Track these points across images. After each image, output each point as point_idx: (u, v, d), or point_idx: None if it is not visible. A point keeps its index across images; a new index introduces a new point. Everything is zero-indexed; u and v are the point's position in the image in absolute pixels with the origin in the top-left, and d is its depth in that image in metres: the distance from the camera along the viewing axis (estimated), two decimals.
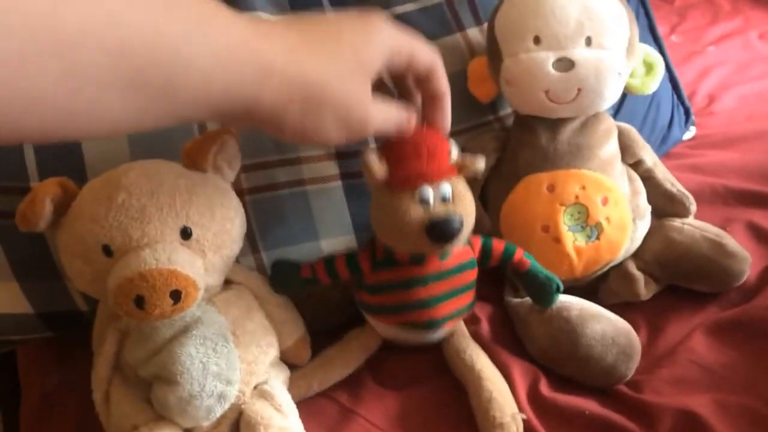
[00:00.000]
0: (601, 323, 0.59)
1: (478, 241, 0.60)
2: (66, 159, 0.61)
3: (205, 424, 0.53)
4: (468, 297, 0.60)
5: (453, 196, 0.52)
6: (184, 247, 0.50)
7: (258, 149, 0.65)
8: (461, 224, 0.52)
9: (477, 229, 0.57)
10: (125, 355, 0.54)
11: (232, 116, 0.40)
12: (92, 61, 0.31)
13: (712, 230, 0.66)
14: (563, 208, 0.63)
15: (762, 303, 0.63)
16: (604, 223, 0.63)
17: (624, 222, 0.64)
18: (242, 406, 0.54)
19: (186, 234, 0.50)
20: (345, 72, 0.42)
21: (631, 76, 0.66)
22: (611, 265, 0.66)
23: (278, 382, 0.57)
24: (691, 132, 0.92)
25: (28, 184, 0.61)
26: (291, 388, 0.58)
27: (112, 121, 0.34)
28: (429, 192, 0.52)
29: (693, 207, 0.69)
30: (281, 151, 0.66)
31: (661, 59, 0.67)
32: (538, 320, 0.61)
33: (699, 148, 0.88)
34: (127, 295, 0.47)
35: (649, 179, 0.68)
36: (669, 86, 0.89)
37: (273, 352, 0.58)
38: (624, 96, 0.72)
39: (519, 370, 0.60)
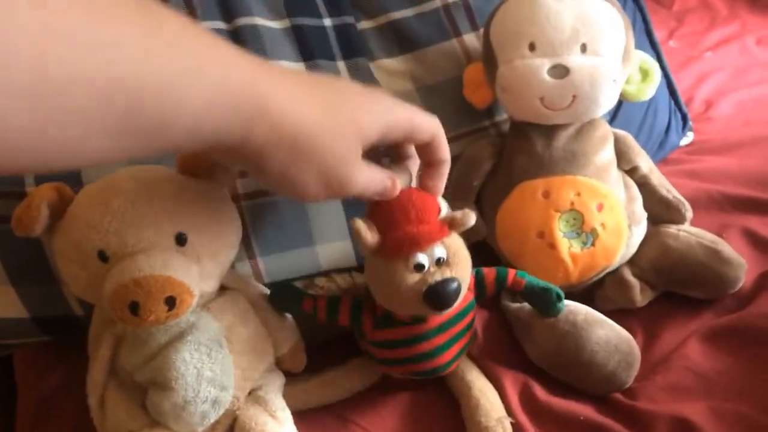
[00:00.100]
0: (605, 329, 0.59)
1: (471, 277, 0.58)
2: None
3: (200, 429, 0.53)
4: (469, 335, 0.60)
5: (447, 257, 0.52)
6: (180, 253, 0.50)
7: None
8: (458, 287, 0.51)
9: (472, 236, 0.57)
10: (121, 360, 0.54)
11: (220, 151, 0.40)
12: (80, 107, 0.30)
13: (707, 237, 0.67)
14: (558, 214, 0.63)
15: (757, 310, 0.63)
16: (600, 230, 0.63)
17: (619, 228, 0.64)
18: (237, 412, 0.54)
19: (181, 240, 0.50)
20: (338, 130, 0.42)
21: (627, 82, 0.66)
22: (607, 271, 0.66)
23: (273, 389, 0.57)
24: (688, 138, 0.92)
25: (24, 189, 0.61)
26: (290, 399, 0.58)
27: (98, 158, 0.34)
28: (422, 258, 0.51)
29: (689, 213, 0.69)
30: None
31: (657, 66, 0.67)
32: (542, 324, 0.61)
33: (696, 154, 0.89)
34: (122, 300, 0.47)
35: (645, 186, 0.68)
36: (666, 92, 0.89)
37: (268, 359, 0.58)
38: (621, 102, 0.72)
39: (510, 377, 0.60)
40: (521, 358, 0.63)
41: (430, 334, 0.56)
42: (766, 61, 1.10)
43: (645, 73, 0.67)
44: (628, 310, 0.66)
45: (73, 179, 0.59)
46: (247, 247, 0.64)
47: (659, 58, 0.88)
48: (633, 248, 0.67)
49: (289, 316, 0.61)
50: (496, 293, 0.60)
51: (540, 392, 0.59)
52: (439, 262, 0.51)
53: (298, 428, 0.56)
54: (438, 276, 0.51)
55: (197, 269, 0.51)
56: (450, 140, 0.52)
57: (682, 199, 0.69)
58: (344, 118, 0.42)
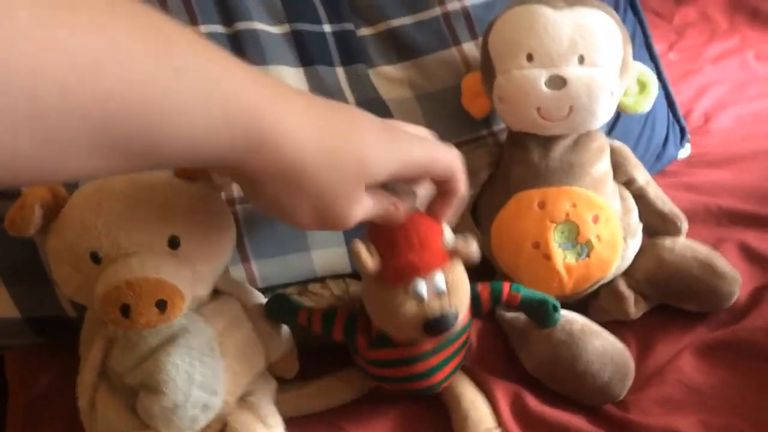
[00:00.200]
0: (601, 340, 0.59)
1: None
2: None
3: None
4: (464, 353, 0.60)
5: (447, 286, 0.51)
6: (172, 256, 0.50)
7: None
8: (456, 317, 0.51)
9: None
10: (112, 362, 0.54)
11: (215, 169, 0.39)
12: (72, 129, 0.29)
13: (703, 250, 0.66)
14: (554, 225, 0.63)
15: (751, 324, 0.63)
16: (595, 241, 0.63)
17: (615, 240, 0.64)
18: (227, 417, 0.54)
19: (174, 243, 0.50)
20: (339, 168, 0.40)
21: (625, 94, 0.66)
22: (602, 283, 0.66)
23: (264, 395, 0.57)
24: (686, 150, 0.92)
25: (19, 188, 0.61)
26: (281, 406, 0.58)
27: (90, 174, 0.34)
28: (422, 286, 0.50)
29: (684, 226, 0.68)
30: None
31: (655, 78, 0.67)
32: (538, 333, 0.60)
33: (694, 167, 0.89)
34: (113, 303, 0.47)
35: (641, 198, 0.68)
36: (665, 104, 0.89)
37: (260, 365, 0.57)
38: (619, 113, 0.72)
39: (503, 387, 0.60)
40: (514, 368, 0.63)
41: (426, 355, 0.56)
42: (764, 76, 1.10)
43: (643, 86, 0.67)
44: (622, 322, 0.65)
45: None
46: (242, 251, 0.64)
47: (658, 71, 0.88)
48: (628, 260, 0.67)
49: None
50: (492, 306, 0.59)
51: (532, 403, 0.59)
52: (438, 293, 0.50)
53: None
54: (437, 307, 0.50)
55: (190, 273, 0.51)
56: None
57: (678, 211, 0.69)
58: (349, 156, 0.40)
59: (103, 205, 0.49)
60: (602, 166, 0.66)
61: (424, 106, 0.72)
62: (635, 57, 0.66)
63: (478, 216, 0.69)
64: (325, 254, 0.67)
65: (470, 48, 0.73)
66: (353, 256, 0.50)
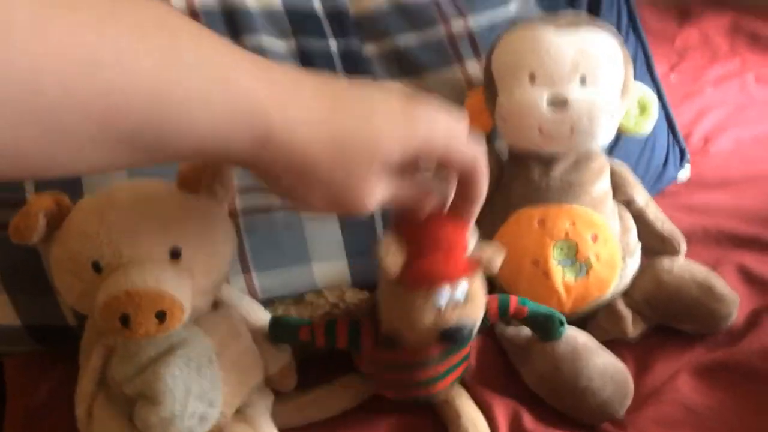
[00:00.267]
0: (602, 358, 0.60)
1: None
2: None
3: None
4: (465, 366, 0.60)
5: (466, 296, 0.50)
6: (173, 267, 0.50)
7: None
8: (473, 328, 0.50)
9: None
10: (111, 371, 0.54)
11: (228, 163, 0.38)
12: (76, 123, 0.30)
13: (701, 272, 0.67)
14: (553, 242, 0.64)
15: (749, 347, 0.63)
16: (593, 260, 0.64)
17: (613, 259, 0.65)
18: (223, 429, 0.54)
19: (175, 255, 0.50)
20: (351, 156, 0.39)
21: (626, 116, 0.67)
22: (600, 302, 0.66)
23: (261, 407, 0.57)
24: (686, 172, 0.92)
25: (24, 196, 0.61)
26: (278, 417, 0.58)
27: (98, 167, 0.34)
28: (444, 295, 0.49)
29: (683, 247, 0.69)
30: None
31: (656, 100, 0.68)
32: (540, 348, 0.60)
33: (693, 189, 0.89)
34: (113, 312, 0.47)
35: (640, 218, 0.68)
36: (665, 126, 0.90)
37: (257, 377, 0.57)
38: (619, 134, 0.72)
39: (501, 404, 0.60)
40: (513, 385, 0.63)
41: (431, 362, 0.55)
42: (764, 99, 1.10)
43: (643, 108, 0.67)
44: (620, 341, 0.66)
45: (73, 187, 0.60)
46: (242, 262, 0.64)
47: (659, 93, 0.89)
48: (626, 279, 0.67)
49: None
50: (499, 318, 0.59)
51: (530, 421, 0.59)
52: (456, 303, 0.50)
53: None
54: (455, 317, 0.49)
55: (190, 284, 0.51)
56: None
57: (677, 232, 0.69)
58: (360, 143, 0.39)
59: (106, 214, 0.50)
60: (602, 186, 0.66)
61: None
62: (636, 78, 0.67)
63: (478, 232, 0.69)
64: (326, 267, 0.67)
65: (473, 66, 0.74)
66: (379, 253, 0.48)
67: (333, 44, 0.73)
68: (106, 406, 0.54)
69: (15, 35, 0.27)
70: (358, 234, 0.68)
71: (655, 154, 0.86)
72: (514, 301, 0.58)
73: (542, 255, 0.64)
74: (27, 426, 0.67)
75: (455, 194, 0.47)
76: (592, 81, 0.62)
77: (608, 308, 0.66)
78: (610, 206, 0.67)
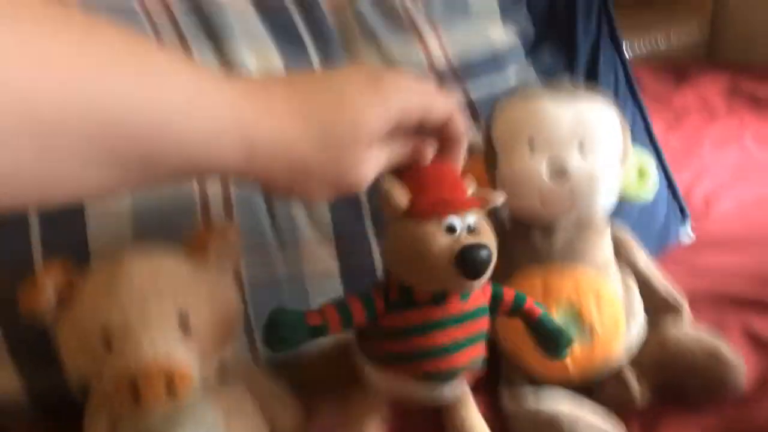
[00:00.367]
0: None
1: (488, 288, 0.56)
2: (68, 235, 0.63)
3: None
4: (482, 347, 0.56)
5: (477, 228, 0.50)
6: (182, 338, 0.51)
7: (258, 231, 0.65)
8: (490, 255, 0.49)
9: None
10: None
11: (218, 176, 0.39)
12: (70, 141, 0.31)
13: (707, 338, 0.66)
14: (556, 308, 0.64)
15: (756, 413, 0.62)
16: (597, 325, 0.64)
17: (617, 324, 0.65)
18: None
19: (184, 325, 0.51)
20: (335, 141, 0.42)
21: (625, 183, 0.68)
22: (607, 369, 0.65)
23: None
24: (687, 234, 0.93)
25: (31, 258, 0.62)
26: None
27: (94, 189, 0.35)
28: (455, 220, 0.49)
29: (686, 311, 0.69)
30: (282, 243, 0.67)
31: (654, 167, 0.69)
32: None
33: (695, 251, 0.89)
34: (123, 387, 0.47)
35: (642, 282, 0.69)
36: (665, 188, 0.91)
37: None
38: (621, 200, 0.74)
39: None
40: None
41: (447, 322, 0.52)
42: (763, 160, 1.12)
43: (641, 173, 0.69)
44: (626, 406, 0.65)
45: (80, 250, 0.62)
46: (248, 333, 0.64)
47: (658, 155, 0.90)
48: (631, 343, 0.67)
49: (290, 402, 0.60)
50: (511, 312, 0.57)
51: None
52: (469, 229, 0.50)
53: None
54: (470, 239, 0.49)
55: (198, 355, 0.51)
56: None
57: (679, 296, 0.69)
58: (341, 129, 0.42)
59: (114, 288, 0.50)
60: (604, 251, 0.67)
61: None
62: (635, 141, 0.69)
63: None
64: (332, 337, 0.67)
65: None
66: (384, 193, 0.49)
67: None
68: None
69: (7, 55, 0.28)
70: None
71: (656, 217, 0.87)
72: (529, 300, 0.57)
73: None
74: None
75: (440, 146, 0.51)
76: (591, 149, 0.64)
77: (615, 376, 0.66)
78: (613, 270, 0.67)
